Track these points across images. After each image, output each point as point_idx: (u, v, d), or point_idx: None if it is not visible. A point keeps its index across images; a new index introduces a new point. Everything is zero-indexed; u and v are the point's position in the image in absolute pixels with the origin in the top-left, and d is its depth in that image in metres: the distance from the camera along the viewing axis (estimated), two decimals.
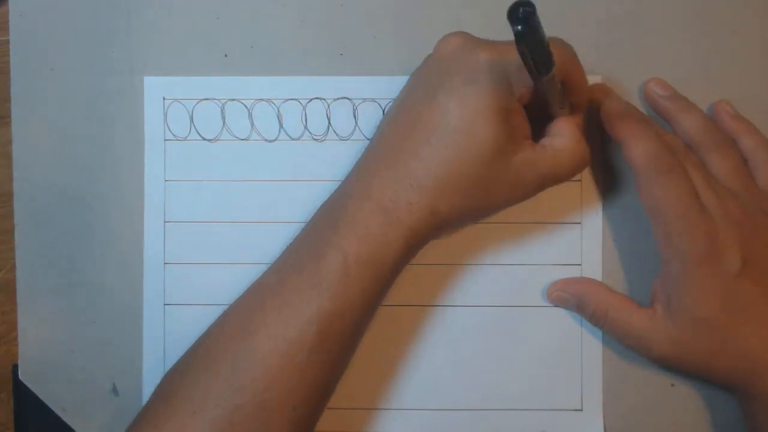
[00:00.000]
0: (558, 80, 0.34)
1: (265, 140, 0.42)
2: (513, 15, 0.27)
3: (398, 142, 0.35)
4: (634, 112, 0.39)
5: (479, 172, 0.34)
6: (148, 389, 0.41)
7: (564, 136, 0.36)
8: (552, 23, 0.41)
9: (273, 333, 0.33)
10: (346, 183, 0.37)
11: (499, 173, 0.34)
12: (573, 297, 0.40)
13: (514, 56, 0.31)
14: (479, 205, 0.36)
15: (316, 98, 0.42)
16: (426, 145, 0.34)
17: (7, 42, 0.42)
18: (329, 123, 0.42)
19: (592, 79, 0.41)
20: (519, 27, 0.27)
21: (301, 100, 0.42)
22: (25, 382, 0.41)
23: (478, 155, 0.34)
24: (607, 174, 0.41)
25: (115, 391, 0.42)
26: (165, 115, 0.42)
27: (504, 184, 0.35)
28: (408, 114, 0.36)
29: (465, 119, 0.34)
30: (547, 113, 0.37)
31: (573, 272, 0.41)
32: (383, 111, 0.41)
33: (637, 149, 0.37)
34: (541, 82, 0.32)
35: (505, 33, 0.41)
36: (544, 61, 0.30)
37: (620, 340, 0.40)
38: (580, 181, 0.41)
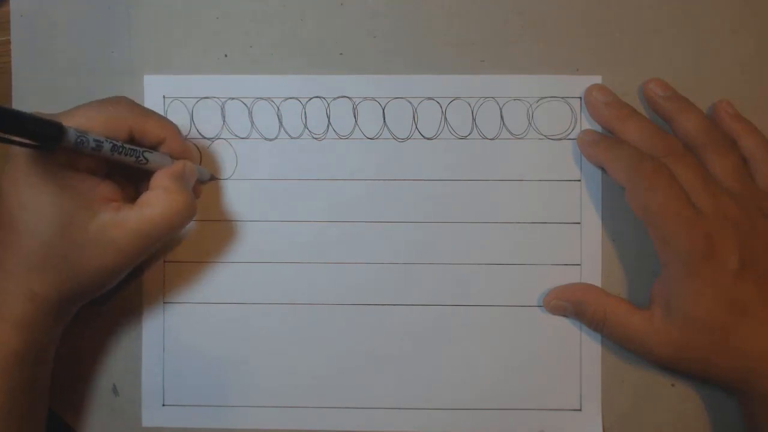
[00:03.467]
0: (120, 140, 0.34)
1: (265, 139, 0.42)
2: None
3: None
4: (605, 137, 0.40)
5: (55, 246, 0.33)
6: (147, 389, 0.41)
7: (154, 189, 0.36)
8: (552, 23, 0.41)
9: None
10: None
11: (79, 242, 0.34)
12: (570, 304, 0.40)
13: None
14: (79, 278, 0.34)
15: (316, 97, 0.42)
16: (6, 231, 0.34)
17: (8, 42, 0.42)
18: (329, 122, 0.42)
19: (592, 79, 0.41)
20: None
21: (300, 99, 0.42)
22: None
23: (44, 231, 0.33)
24: (607, 174, 0.41)
25: (115, 391, 0.42)
26: (165, 113, 0.42)
27: (90, 252, 0.34)
28: None
29: (18, 199, 0.33)
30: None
31: (573, 272, 0.41)
32: (383, 110, 0.42)
33: (617, 165, 0.38)
34: (73, 149, 0.32)
35: (503, 33, 0.41)
36: (36, 136, 0.30)
37: (620, 344, 0.40)
38: (580, 181, 0.41)
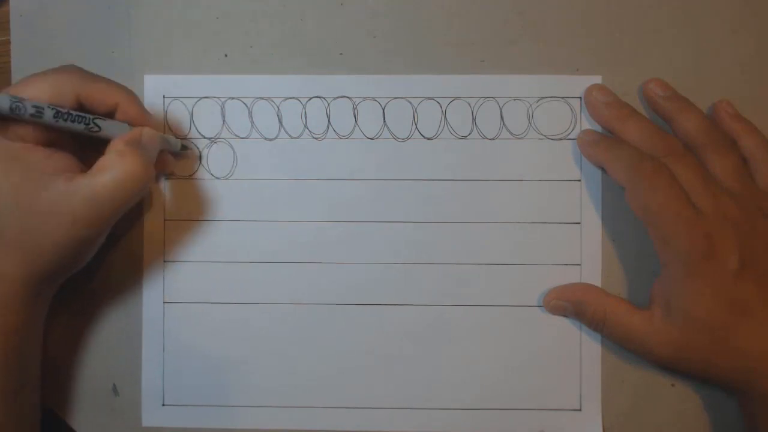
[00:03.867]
0: (67, 107, 0.34)
1: (265, 138, 0.42)
2: None
3: None
4: (605, 137, 0.40)
5: (12, 222, 0.33)
6: (147, 388, 0.41)
7: (106, 154, 0.35)
8: (552, 23, 0.41)
9: None
10: None
11: (33, 215, 0.33)
12: (570, 304, 0.40)
13: None
14: (44, 253, 0.34)
15: (316, 97, 0.42)
16: None
17: (8, 42, 0.42)
18: (329, 122, 0.42)
19: (592, 79, 0.41)
20: None
21: (300, 99, 0.42)
22: None
23: None
24: (607, 174, 0.41)
25: (115, 390, 0.42)
26: (165, 113, 0.42)
27: (49, 223, 0.33)
28: None
29: None
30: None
31: (573, 272, 0.41)
32: (383, 110, 0.42)
33: (617, 165, 0.38)
34: (9, 116, 0.32)
35: (503, 33, 0.41)
36: None
37: (620, 344, 0.40)
38: (580, 181, 0.41)
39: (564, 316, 0.41)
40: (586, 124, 0.41)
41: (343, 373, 0.41)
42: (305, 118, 0.42)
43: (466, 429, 0.41)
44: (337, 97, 0.42)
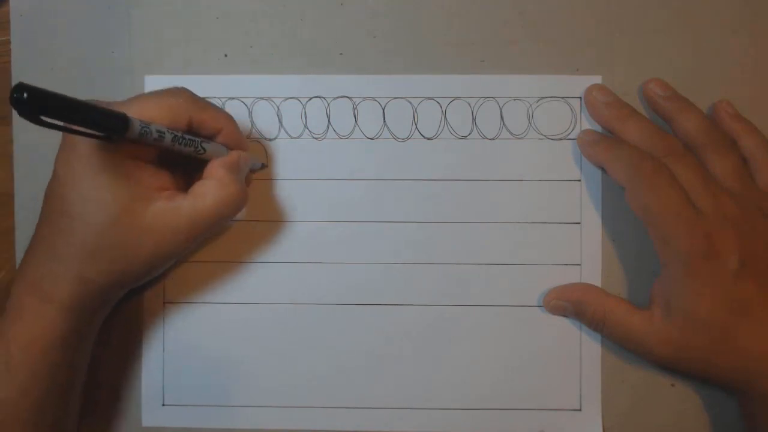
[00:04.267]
0: (180, 130, 0.35)
1: (265, 138, 0.42)
2: (12, 102, 0.26)
3: (42, 220, 0.35)
4: (605, 137, 0.40)
5: (110, 234, 0.34)
6: (147, 388, 0.41)
7: (207, 178, 0.36)
8: (552, 23, 0.41)
9: None
10: (18, 267, 0.36)
11: (133, 230, 0.34)
12: (570, 304, 0.40)
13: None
14: (130, 265, 0.35)
15: (316, 97, 0.42)
16: (60, 217, 0.34)
17: (8, 42, 0.42)
18: (329, 122, 0.42)
19: (592, 79, 0.41)
20: (18, 111, 0.27)
21: (300, 99, 0.42)
22: None
23: (100, 218, 0.33)
24: (607, 174, 0.41)
25: (115, 390, 0.42)
26: None
27: (144, 240, 0.34)
28: (46, 192, 0.35)
29: (77, 187, 0.33)
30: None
31: (573, 272, 0.41)
32: (383, 110, 0.42)
33: (617, 166, 0.38)
34: (137, 140, 0.32)
35: (503, 33, 0.41)
36: (103, 127, 0.30)
37: (620, 344, 0.40)
38: (580, 181, 0.41)
39: (564, 316, 0.41)
40: (586, 124, 0.41)
41: (343, 373, 0.41)
42: (305, 118, 0.42)
43: (466, 429, 0.41)
44: (337, 97, 0.42)
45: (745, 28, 0.41)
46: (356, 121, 0.42)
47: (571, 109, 0.42)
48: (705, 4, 0.42)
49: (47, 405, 0.35)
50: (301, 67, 0.42)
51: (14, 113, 0.42)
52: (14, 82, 0.42)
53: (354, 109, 0.42)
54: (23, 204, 0.42)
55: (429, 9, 0.42)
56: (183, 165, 0.38)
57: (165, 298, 0.42)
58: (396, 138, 0.42)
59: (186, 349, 0.42)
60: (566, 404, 0.41)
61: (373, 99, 0.42)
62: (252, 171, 0.41)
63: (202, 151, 0.36)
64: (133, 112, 0.33)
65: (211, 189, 0.35)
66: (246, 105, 0.42)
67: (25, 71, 0.42)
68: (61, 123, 0.29)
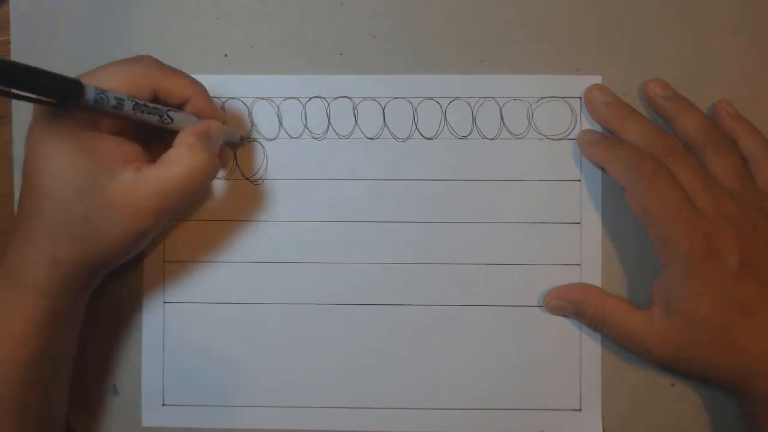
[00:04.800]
0: (143, 98, 0.34)
1: (265, 138, 0.42)
2: None
3: (19, 203, 0.35)
4: (605, 137, 0.40)
5: (75, 210, 0.33)
6: (147, 389, 0.41)
7: (174, 146, 0.35)
8: (552, 23, 0.41)
9: None
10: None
11: (100, 204, 0.33)
12: (570, 304, 0.40)
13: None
14: (102, 241, 0.34)
15: (316, 97, 0.42)
16: (29, 197, 0.33)
17: (8, 42, 0.42)
18: (329, 122, 0.42)
19: (592, 79, 0.41)
20: None
21: (300, 99, 0.42)
22: None
23: (64, 194, 0.32)
24: (607, 174, 0.41)
25: (115, 391, 0.42)
26: None
27: (111, 214, 0.33)
28: (22, 172, 0.35)
29: (39, 164, 0.33)
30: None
31: (572, 272, 0.41)
32: (383, 110, 0.42)
33: (617, 165, 0.38)
34: (92, 107, 0.32)
35: (503, 33, 0.41)
36: (54, 93, 0.30)
37: (620, 344, 0.40)
38: (580, 181, 0.41)
39: (564, 316, 0.41)
40: (586, 124, 0.41)
41: (343, 373, 0.41)
42: (305, 118, 0.42)
43: (466, 429, 0.41)
44: (337, 97, 0.42)
45: (745, 28, 0.41)
46: (356, 121, 0.42)
47: (571, 109, 0.42)
48: (705, 4, 0.42)
49: (31, 394, 0.34)
50: (301, 67, 0.42)
51: (14, 113, 0.42)
52: None
53: (354, 109, 0.42)
54: None
55: (429, 9, 0.42)
56: (159, 140, 0.37)
57: (165, 298, 0.42)
58: (396, 138, 0.42)
59: (186, 349, 0.42)
60: (566, 404, 0.41)
61: (373, 99, 0.42)
62: (231, 145, 0.40)
63: (168, 121, 0.35)
64: (94, 81, 0.32)
65: (179, 157, 0.34)
66: (246, 105, 0.42)
67: None
68: (10, 90, 0.28)
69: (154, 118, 0.34)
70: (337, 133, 0.42)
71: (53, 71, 0.30)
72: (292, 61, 0.42)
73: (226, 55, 0.42)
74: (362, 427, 0.41)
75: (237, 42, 0.42)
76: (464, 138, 0.42)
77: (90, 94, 0.31)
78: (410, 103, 0.42)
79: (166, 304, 0.42)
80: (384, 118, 0.42)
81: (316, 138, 0.42)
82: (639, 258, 0.41)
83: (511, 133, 0.42)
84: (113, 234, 0.34)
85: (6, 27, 0.42)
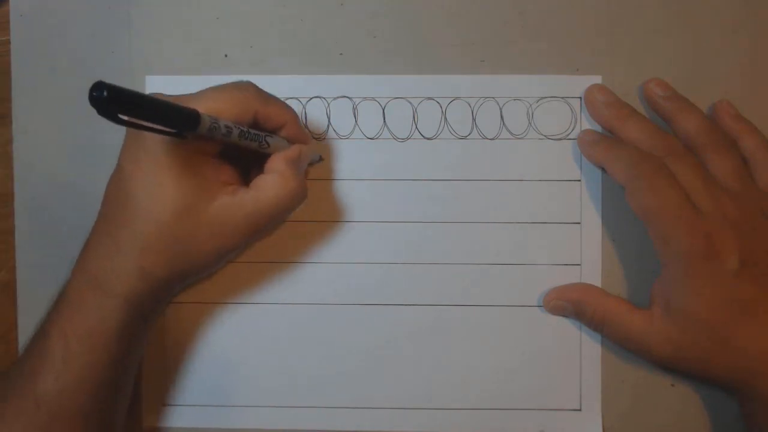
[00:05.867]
0: (245, 124, 0.35)
1: None
2: (91, 100, 0.27)
3: (104, 213, 0.36)
4: (605, 137, 0.40)
5: (173, 228, 0.34)
6: (147, 389, 0.41)
7: (268, 172, 0.36)
8: (552, 23, 0.41)
9: (7, 421, 0.34)
10: (77, 260, 0.36)
11: (196, 225, 0.34)
12: (570, 304, 0.40)
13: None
14: (191, 259, 0.35)
15: (316, 97, 0.42)
16: (124, 211, 0.34)
17: (8, 42, 0.42)
18: (329, 122, 0.42)
19: (592, 79, 0.41)
20: (98, 111, 0.27)
21: (300, 99, 0.42)
22: None
23: (165, 213, 0.34)
24: (607, 174, 0.41)
25: None
26: None
27: (206, 234, 0.35)
28: (108, 186, 0.36)
29: (142, 182, 0.34)
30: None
31: (572, 272, 0.41)
32: (383, 110, 0.42)
33: (617, 165, 0.38)
34: (205, 136, 0.32)
35: (503, 33, 0.41)
36: (174, 123, 0.30)
37: (620, 344, 0.40)
38: (580, 181, 0.41)
39: (564, 316, 0.41)
40: (586, 124, 0.41)
41: (344, 373, 0.41)
42: (305, 118, 0.42)
43: (466, 429, 0.41)
44: (337, 97, 0.42)
45: (745, 28, 0.41)
46: (356, 121, 0.42)
47: (571, 109, 0.42)
48: (705, 4, 0.42)
49: (102, 397, 0.35)
50: (301, 67, 0.42)
51: (14, 113, 0.42)
52: (14, 82, 0.42)
53: (354, 109, 0.42)
54: (23, 204, 0.42)
55: (429, 9, 0.42)
56: (242, 158, 0.38)
57: None
58: (396, 138, 0.42)
59: (186, 349, 0.42)
60: (566, 404, 0.41)
61: (373, 99, 0.42)
62: (310, 164, 0.41)
63: (266, 146, 0.36)
64: (201, 107, 0.32)
65: (272, 183, 0.35)
66: None
67: (25, 71, 0.42)
68: (135, 120, 0.29)
69: (254, 144, 0.35)
70: (337, 133, 0.42)
71: (170, 101, 0.30)
72: (292, 61, 0.42)
73: (226, 55, 0.42)
74: (362, 427, 0.41)
75: (237, 42, 0.42)
76: (464, 138, 0.42)
77: (206, 124, 0.32)
78: (410, 103, 0.42)
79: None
80: (384, 118, 0.42)
81: (316, 138, 0.42)
82: (639, 258, 0.41)
83: (511, 133, 0.42)
84: (204, 252, 0.35)
85: (6, 27, 0.42)
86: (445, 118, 0.42)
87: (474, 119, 0.42)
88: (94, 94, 0.26)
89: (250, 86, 0.36)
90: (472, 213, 0.41)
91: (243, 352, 0.41)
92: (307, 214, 0.41)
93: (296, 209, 0.37)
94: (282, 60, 0.42)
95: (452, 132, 0.42)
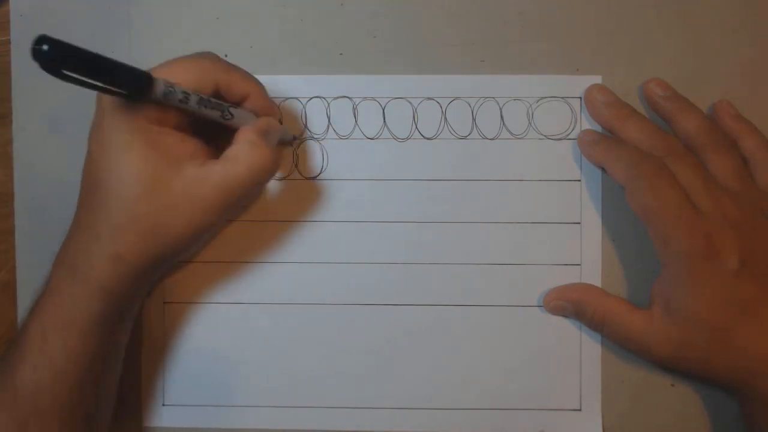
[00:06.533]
0: (206, 93, 0.34)
1: None
2: (34, 54, 0.26)
3: (80, 200, 0.35)
4: (605, 137, 0.40)
5: (141, 207, 0.33)
6: (147, 389, 0.41)
7: (237, 143, 0.35)
8: (552, 23, 0.41)
9: None
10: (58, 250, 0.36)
11: (164, 201, 0.33)
12: (570, 304, 0.40)
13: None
14: (164, 240, 0.34)
15: (316, 97, 0.42)
16: (92, 194, 0.33)
17: (8, 42, 0.42)
18: (329, 121, 0.42)
19: (592, 79, 0.41)
20: (40, 65, 0.26)
21: (301, 99, 0.42)
22: None
23: (130, 191, 0.33)
24: (607, 174, 0.41)
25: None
26: None
27: (176, 210, 0.33)
28: (83, 171, 0.35)
29: (106, 162, 0.33)
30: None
31: (572, 272, 0.41)
32: (383, 110, 0.42)
33: (617, 166, 0.38)
34: (161, 101, 0.32)
35: (503, 33, 0.41)
36: (125, 84, 0.30)
37: (620, 344, 0.40)
38: (580, 181, 0.41)
39: (564, 316, 0.41)
40: (586, 124, 0.41)
41: (344, 373, 0.41)
42: (305, 118, 0.42)
43: (466, 429, 0.41)
44: (337, 97, 0.42)
45: (745, 28, 0.41)
46: (356, 121, 0.42)
47: (571, 109, 0.42)
48: (705, 4, 0.42)
49: (83, 390, 0.35)
50: (301, 67, 0.42)
51: (14, 113, 0.42)
52: (14, 82, 0.42)
53: (354, 109, 0.42)
54: (23, 204, 0.42)
55: (429, 9, 0.42)
56: (212, 135, 0.37)
57: (165, 298, 0.42)
58: (396, 138, 0.42)
59: (186, 349, 0.42)
60: (566, 404, 0.41)
61: (373, 99, 0.42)
62: (283, 143, 0.41)
63: (229, 116, 0.35)
64: (158, 74, 0.32)
65: (242, 152, 0.34)
66: None
67: (25, 71, 0.42)
68: (83, 78, 0.28)
69: (215, 114, 0.34)
70: (337, 133, 0.42)
71: (122, 63, 0.30)
72: (292, 61, 0.42)
73: (226, 55, 0.42)
74: (362, 427, 0.41)
75: (237, 42, 0.42)
76: (464, 138, 0.42)
77: (159, 88, 0.31)
78: (410, 103, 0.42)
79: (166, 304, 0.42)
80: (384, 118, 0.42)
81: (316, 138, 0.42)
82: (639, 258, 0.41)
83: (511, 133, 0.42)
84: (176, 230, 0.34)
85: (6, 27, 0.42)
86: (445, 118, 0.42)
87: (474, 119, 0.42)
88: (36, 47, 0.26)
89: (211, 55, 0.35)
90: (472, 213, 0.41)
91: (242, 352, 0.41)
92: (307, 213, 0.41)
93: (267, 180, 0.36)
94: (282, 60, 0.42)
95: (452, 132, 0.42)
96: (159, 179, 0.33)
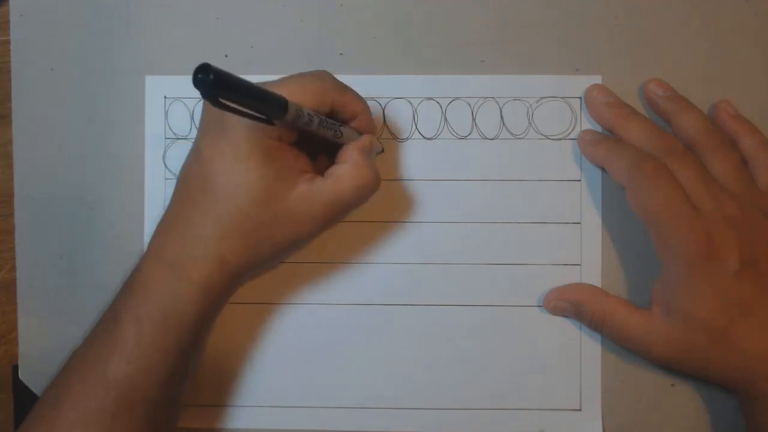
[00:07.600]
0: (323, 113, 0.35)
1: None
2: (195, 82, 0.27)
3: (180, 198, 0.36)
4: (605, 137, 0.40)
5: (253, 216, 0.34)
6: None
7: (343, 162, 0.36)
8: (552, 23, 0.41)
9: (76, 403, 0.33)
10: (149, 244, 0.36)
11: (276, 213, 0.34)
12: (570, 304, 0.40)
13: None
14: (267, 248, 0.35)
15: None
16: (203, 196, 0.34)
17: (8, 42, 0.42)
18: None
19: (592, 79, 0.41)
20: (202, 94, 0.27)
21: None
22: (25, 382, 0.41)
23: (246, 200, 0.34)
24: (607, 174, 0.41)
25: None
26: (166, 113, 0.42)
27: (285, 222, 0.35)
28: (185, 171, 0.36)
29: (224, 169, 0.34)
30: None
31: (573, 272, 0.41)
32: (383, 110, 0.42)
33: (617, 166, 0.38)
34: (289, 123, 0.32)
35: (504, 33, 0.41)
36: (265, 110, 0.30)
37: (620, 344, 0.40)
38: (580, 181, 0.41)
39: (564, 316, 0.41)
40: (586, 124, 0.41)
41: (344, 373, 0.41)
42: None
43: (466, 429, 0.41)
44: None
45: (745, 27, 0.41)
46: None
47: (571, 109, 0.42)
48: (705, 4, 0.42)
49: (170, 386, 0.35)
50: (301, 67, 0.41)
51: (14, 113, 0.42)
52: (14, 82, 0.42)
53: None
54: (23, 204, 0.42)
55: (429, 9, 0.42)
56: (312, 148, 0.38)
57: None
58: (396, 138, 0.42)
59: None
60: (566, 404, 0.41)
61: (374, 99, 0.42)
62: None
63: (339, 135, 0.36)
64: (286, 95, 0.32)
65: (348, 172, 0.35)
66: None
67: (25, 71, 0.42)
68: (234, 106, 0.29)
69: (329, 133, 0.35)
70: None
71: (265, 89, 0.30)
72: (292, 61, 0.42)
73: (226, 55, 0.42)
74: (362, 427, 0.41)
75: (237, 42, 0.42)
76: (464, 138, 0.42)
77: (292, 112, 0.32)
78: (410, 103, 0.42)
79: None
80: (384, 118, 0.42)
81: None
82: (639, 258, 0.41)
83: (511, 133, 0.42)
84: (279, 239, 0.35)
85: (6, 27, 0.42)
86: (445, 118, 0.42)
87: (474, 119, 0.42)
88: (200, 76, 0.26)
89: (329, 76, 0.36)
90: (473, 213, 0.41)
91: (243, 352, 0.41)
92: None
93: (370, 197, 0.37)
94: (282, 60, 0.42)
95: (452, 132, 0.42)
96: (274, 192, 0.34)
